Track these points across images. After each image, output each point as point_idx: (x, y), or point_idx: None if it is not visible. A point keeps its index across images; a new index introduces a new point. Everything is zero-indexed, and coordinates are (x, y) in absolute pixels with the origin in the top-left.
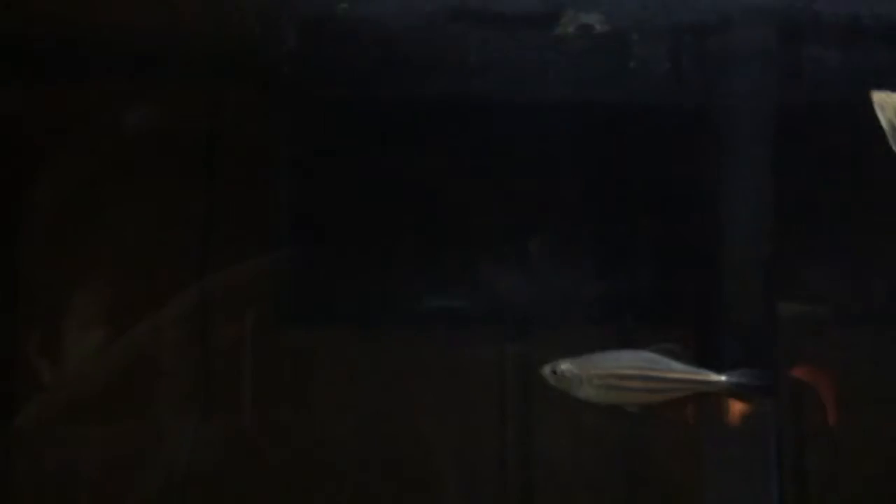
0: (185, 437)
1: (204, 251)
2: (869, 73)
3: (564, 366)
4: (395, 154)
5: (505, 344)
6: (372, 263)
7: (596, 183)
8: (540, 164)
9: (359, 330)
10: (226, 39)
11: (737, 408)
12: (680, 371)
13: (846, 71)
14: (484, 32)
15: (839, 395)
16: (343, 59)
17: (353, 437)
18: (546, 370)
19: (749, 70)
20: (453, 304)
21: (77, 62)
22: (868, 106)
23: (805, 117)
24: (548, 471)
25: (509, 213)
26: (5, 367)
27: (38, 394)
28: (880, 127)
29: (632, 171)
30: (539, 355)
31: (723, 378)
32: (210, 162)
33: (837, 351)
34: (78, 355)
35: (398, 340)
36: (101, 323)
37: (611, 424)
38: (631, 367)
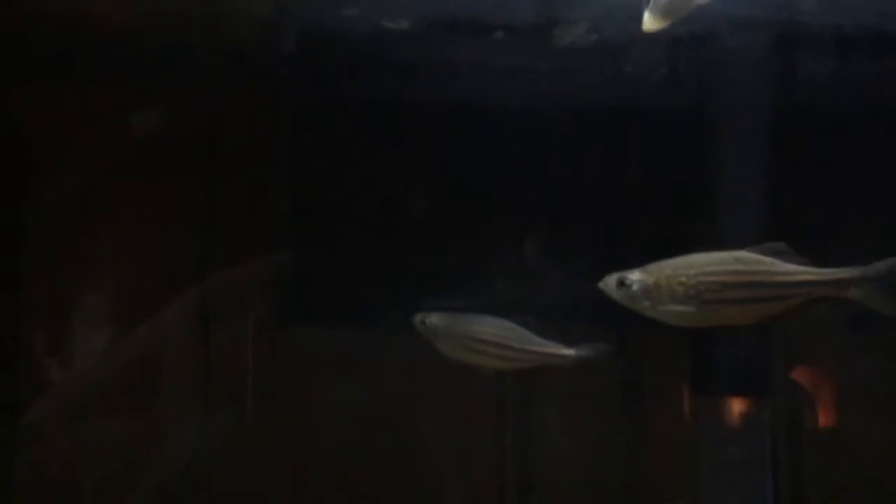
0: None
1: None
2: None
3: (433, 318)
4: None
5: None
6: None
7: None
8: None
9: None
10: None
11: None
12: (534, 343)
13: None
14: None
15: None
16: None
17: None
18: (417, 319)
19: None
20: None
21: None
22: None
23: None
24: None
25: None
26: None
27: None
28: None
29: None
30: None
31: (571, 352)
32: None
33: None
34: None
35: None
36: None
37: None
38: (489, 334)
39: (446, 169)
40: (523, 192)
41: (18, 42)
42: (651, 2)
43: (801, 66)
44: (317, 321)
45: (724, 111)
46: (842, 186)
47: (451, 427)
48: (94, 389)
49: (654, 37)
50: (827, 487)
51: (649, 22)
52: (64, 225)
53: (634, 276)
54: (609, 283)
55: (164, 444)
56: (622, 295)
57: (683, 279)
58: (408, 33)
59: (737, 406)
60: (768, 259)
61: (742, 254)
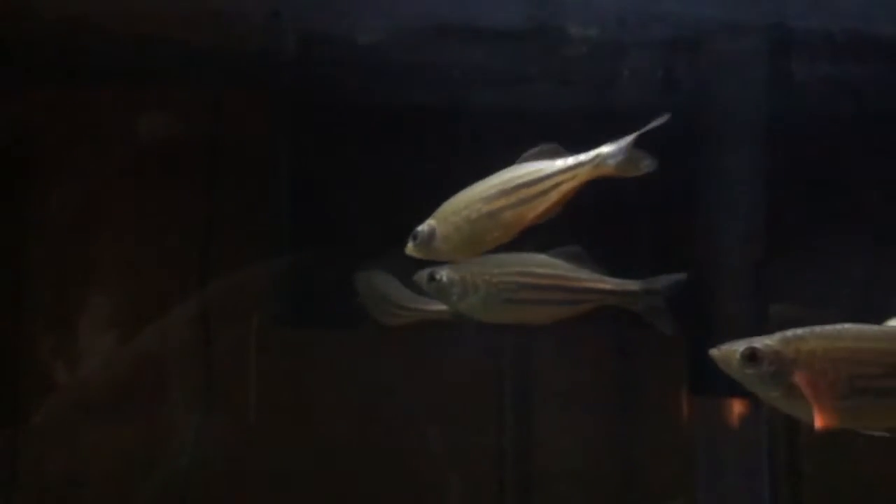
0: None
1: None
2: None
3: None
4: None
5: None
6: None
7: None
8: None
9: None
10: None
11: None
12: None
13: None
14: None
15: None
16: None
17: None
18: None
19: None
20: None
21: None
22: None
23: None
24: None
25: None
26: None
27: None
28: None
29: None
30: None
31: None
32: None
33: None
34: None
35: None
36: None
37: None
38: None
39: (447, 169)
40: None
41: (19, 45)
42: (416, 234)
43: None
44: (318, 321)
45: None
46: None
47: (451, 425)
48: (97, 391)
49: None
50: (824, 488)
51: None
52: (66, 227)
53: (444, 271)
54: (421, 276)
55: (166, 445)
56: (432, 288)
57: (487, 277)
58: None
59: (734, 407)
60: (566, 265)
61: (542, 257)
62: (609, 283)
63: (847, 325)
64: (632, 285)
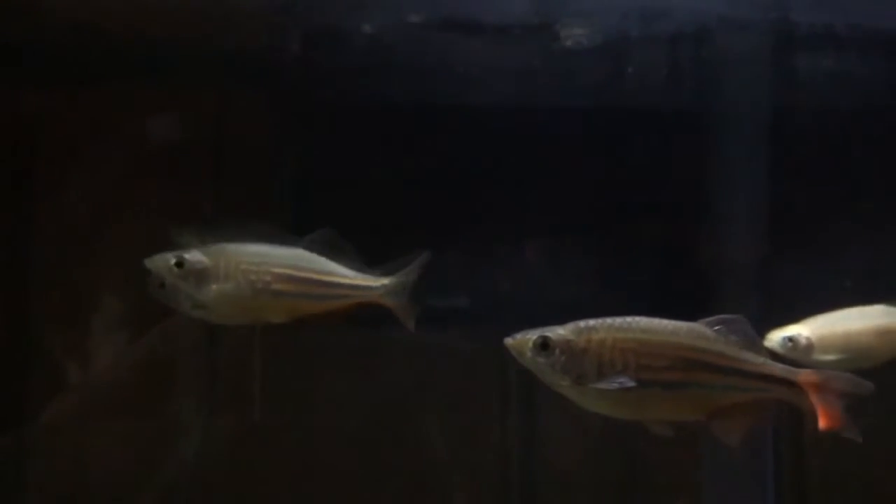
0: None
1: None
2: None
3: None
4: None
5: None
6: None
7: None
8: None
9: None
10: None
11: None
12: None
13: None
14: None
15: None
16: None
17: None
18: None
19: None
20: None
21: None
22: None
23: None
24: None
25: None
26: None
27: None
28: None
29: None
30: None
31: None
32: None
33: None
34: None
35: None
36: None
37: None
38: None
39: (447, 169)
40: (520, 193)
41: (21, 45)
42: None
43: None
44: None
45: None
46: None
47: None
48: (104, 392)
49: None
50: (829, 485)
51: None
52: (71, 226)
53: (195, 254)
54: (165, 259)
55: (172, 445)
56: (178, 274)
57: (244, 266)
58: None
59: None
60: (323, 259)
61: (299, 250)
62: (354, 277)
63: (638, 318)
64: (373, 280)
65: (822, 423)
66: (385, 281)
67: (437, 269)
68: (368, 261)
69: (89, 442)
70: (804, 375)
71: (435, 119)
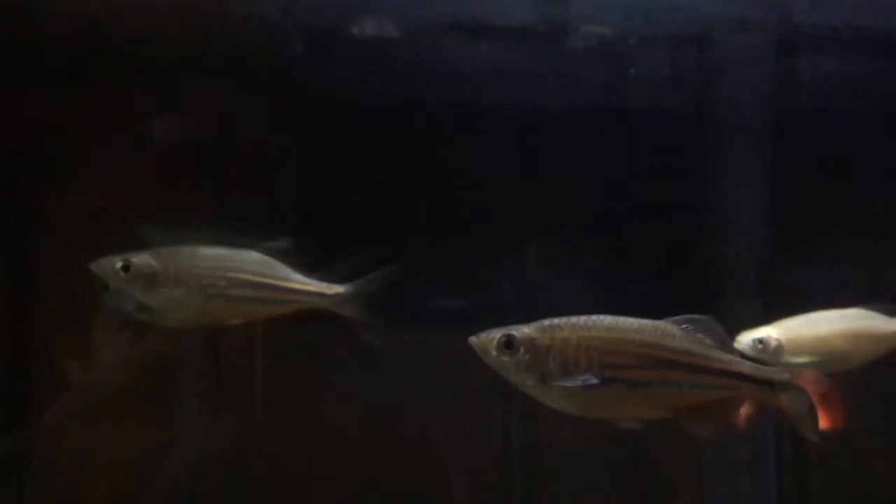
0: None
1: None
2: None
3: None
4: None
5: None
6: None
7: None
8: None
9: None
10: None
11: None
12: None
13: None
14: None
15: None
16: None
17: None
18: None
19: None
20: None
21: None
22: None
23: None
24: None
25: None
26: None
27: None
28: None
29: None
30: None
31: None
32: None
33: None
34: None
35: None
36: None
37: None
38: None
39: (449, 169)
40: (521, 193)
41: (30, 46)
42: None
43: None
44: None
45: None
46: None
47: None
48: (106, 392)
49: None
50: (830, 485)
51: None
52: (75, 227)
53: (143, 258)
54: (111, 262)
55: (173, 446)
56: (124, 279)
57: (195, 270)
58: None
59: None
60: (277, 264)
61: (254, 254)
62: (308, 284)
63: (603, 316)
64: (326, 288)
65: (791, 422)
66: (340, 289)
67: (440, 269)
68: (361, 264)
69: (91, 442)
70: (773, 373)
71: (435, 119)
